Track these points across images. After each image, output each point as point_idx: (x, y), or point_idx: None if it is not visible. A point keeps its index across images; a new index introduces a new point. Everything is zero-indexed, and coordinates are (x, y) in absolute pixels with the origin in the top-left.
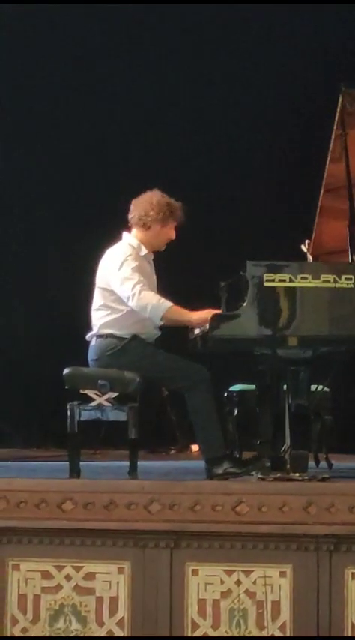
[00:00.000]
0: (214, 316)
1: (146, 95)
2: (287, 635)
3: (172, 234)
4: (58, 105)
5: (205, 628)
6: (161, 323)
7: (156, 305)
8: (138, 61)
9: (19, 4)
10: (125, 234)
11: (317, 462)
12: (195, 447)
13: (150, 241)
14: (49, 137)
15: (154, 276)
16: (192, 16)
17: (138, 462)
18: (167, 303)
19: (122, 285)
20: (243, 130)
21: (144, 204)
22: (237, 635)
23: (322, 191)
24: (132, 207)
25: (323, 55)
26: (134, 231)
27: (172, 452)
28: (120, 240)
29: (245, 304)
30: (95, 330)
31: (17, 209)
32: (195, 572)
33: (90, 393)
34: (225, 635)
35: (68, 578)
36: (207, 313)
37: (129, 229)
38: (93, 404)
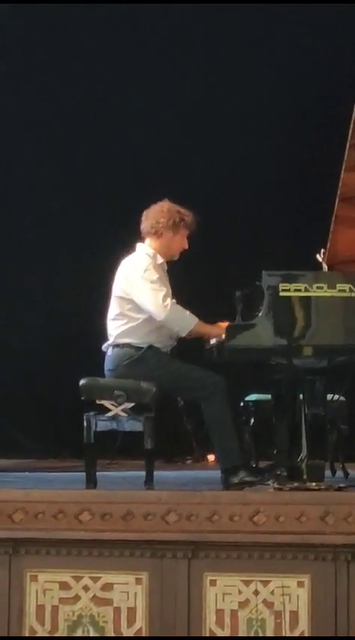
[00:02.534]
0: (230, 326)
1: (160, 108)
2: None
3: (185, 244)
4: (70, 117)
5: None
6: (184, 335)
7: (185, 319)
8: (154, 73)
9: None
10: (139, 244)
11: (334, 472)
12: (211, 457)
13: (164, 250)
14: (61, 149)
15: (169, 286)
16: (204, 27)
17: (155, 472)
18: (194, 319)
19: (148, 298)
20: (257, 138)
21: (155, 212)
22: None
23: (337, 200)
24: (143, 217)
25: (337, 63)
26: (147, 240)
27: (188, 461)
28: (133, 251)
29: (260, 314)
30: (111, 339)
31: (30, 220)
32: (212, 583)
33: (107, 403)
34: None
35: (86, 588)
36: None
37: (142, 240)
38: (110, 414)
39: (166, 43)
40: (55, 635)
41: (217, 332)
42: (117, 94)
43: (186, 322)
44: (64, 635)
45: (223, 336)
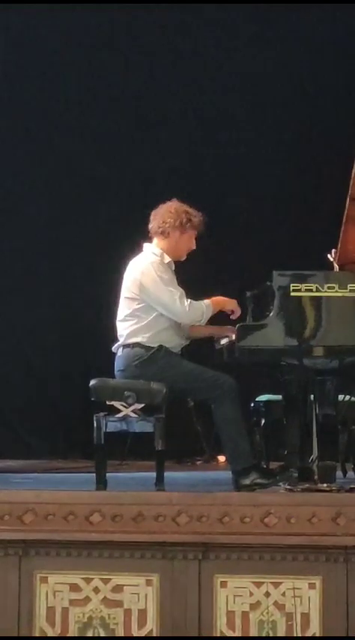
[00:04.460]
0: (240, 327)
1: (171, 111)
2: None
3: (192, 244)
4: (78, 115)
5: None
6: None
7: (204, 312)
8: (165, 76)
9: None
10: (146, 244)
11: (345, 472)
12: (221, 458)
13: (171, 250)
14: (71, 151)
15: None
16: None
17: (165, 473)
18: (208, 305)
19: (169, 303)
20: (268, 137)
21: (163, 213)
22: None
23: (348, 199)
24: (151, 217)
25: (346, 59)
26: (155, 240)
27: (199, 462)
28: (141, 251)
29: (271, 314)
30: (121, 340)
31: (40, 221)
32: (223, 584)
33: (117, 404)
34: None
35: (96, 590)
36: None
37: (150, 240)
38: (120, 415)
39: (171, 40)
40: (67, 635)
41: (232, 303)
42: (133, 95)
43: (205, 313)
44: (75, 634)
45: (233, 336)
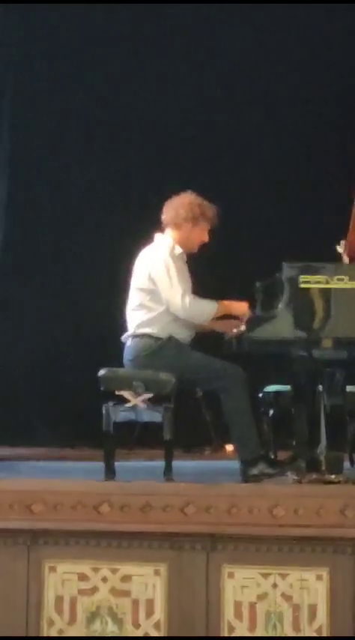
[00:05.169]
0: (250, 318)
1: (183, 105)
2: (323, 637)
3: (205, 237)
4: (92, 107)
5: (241, 631)
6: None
7: (205, 312)
8: (179, 71)
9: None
10: (158, 235)
11: (352, 462)
12: (229, 447)
13: (182, 242)
14: (79, 140)
15: (189, 277)
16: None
17: (173, 462)
18: (213, 306)
19: (170, 296)
20: (277, 127)
21: (176, 204)
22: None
23: None
24: (165, 208)
25: None
26: (167, 231)
27: (207, 452)
28: (152, 241)
29: (280, 306)
30: (131, 330)
31: (50, 211)
32: (231, 575)
33: (126, 394)
34: (261, 637)
35: (104, 580)
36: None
37: (162, 231)
38: (129, 405)
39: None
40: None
41: (241, 308)
42: (149, 86)
43: (207, 313)
44: (83, 626)
45: (242, 327)
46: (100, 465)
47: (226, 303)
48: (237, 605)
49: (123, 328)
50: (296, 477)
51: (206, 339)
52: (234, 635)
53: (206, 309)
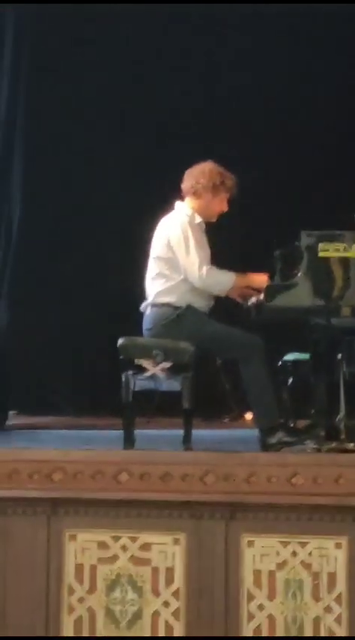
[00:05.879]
0: (269, 286)
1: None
2: (343, 605)
3: (224, 206)
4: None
5: (261, 599)
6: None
7: (222, 282)
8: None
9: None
10: (178, 203)
11: None
12: (248, 416)
13: (202, 211)
14: (99, 115)
15: (207, 247)
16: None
17: (192, 431)
18: (231, 277)
19: (188, 264)
20: (295, 103)
21: (197, 173)
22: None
23: None
24: (185, 176)
25: None
26: (187, 199)
27: (226, 420)
28: (172, 209)
29: (299, 274)
30: (150, 299)
31: (73, 183)
32: (250, 544)
33: (145, 362)
34: (280, 605)
35: (124, 549)
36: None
37: (182, 199)
38: (148, 374)
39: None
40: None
41: (260, 280)
42: (172, 69)
43: (224, 284)
44: (103, 592)
45: (261, 295)
46: (120, 433)
47: (246, 275)
48: (257, 574)
49: (143, 297)
50: (315, 446)
51: (224, 309)
52: (253, 603)
53: (223, 280)
